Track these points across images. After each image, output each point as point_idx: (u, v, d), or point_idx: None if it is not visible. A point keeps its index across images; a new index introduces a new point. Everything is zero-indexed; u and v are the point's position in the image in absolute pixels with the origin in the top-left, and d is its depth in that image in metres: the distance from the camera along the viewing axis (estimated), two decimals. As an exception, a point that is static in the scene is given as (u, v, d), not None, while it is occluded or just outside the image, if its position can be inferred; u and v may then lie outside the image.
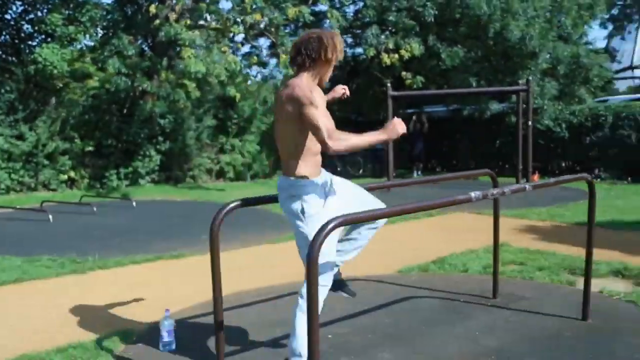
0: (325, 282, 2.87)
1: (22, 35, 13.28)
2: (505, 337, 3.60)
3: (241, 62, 12.12)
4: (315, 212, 2.82)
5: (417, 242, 6.80)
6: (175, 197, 12.37)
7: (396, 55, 12.91)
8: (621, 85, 38.31)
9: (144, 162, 14.02)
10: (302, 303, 2.84)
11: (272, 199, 3.15)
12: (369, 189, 3.31)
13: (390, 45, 13.11)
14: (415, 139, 15.97)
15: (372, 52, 13.36)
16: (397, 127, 2.74)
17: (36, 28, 11.84)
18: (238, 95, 12.37)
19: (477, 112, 14.76)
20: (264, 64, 13.28)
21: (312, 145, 2.81)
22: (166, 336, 3.54)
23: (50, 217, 8.86)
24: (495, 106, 14.67)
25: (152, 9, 11.04)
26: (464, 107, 15.82)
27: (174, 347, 3.55)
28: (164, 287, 5.02)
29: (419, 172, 16.30)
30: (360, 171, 17.34)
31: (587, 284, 3.86)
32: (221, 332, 3.08)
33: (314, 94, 2.65)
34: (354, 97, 18.97)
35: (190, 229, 7.99)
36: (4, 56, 13.37)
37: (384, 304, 4.36)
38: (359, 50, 16.43)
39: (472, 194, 2.87)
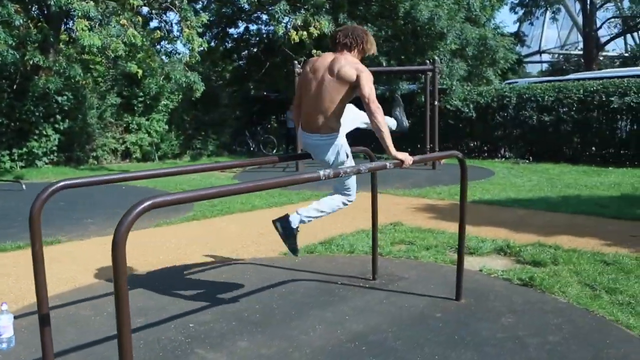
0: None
1: None
2: (373, 320, 3.48)
3: (145, 37, 11.39)
4: (349, 151, 3.71)
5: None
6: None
7: (305, 33, 12.63)
8: (534, 69, 40.12)
9: (41, 143, 13.09)
10: (334, 197, 3.92)
11: (106, 181, 2.83)
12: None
13: (299, 22, 12.81)
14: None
15: (280, 30, 13.02)
16: (409, 161, 3.30)
17: None
18: (140, 72, 11.69)
19: (388, 91, 14.81)
20: (171, 40, 12.62)
21: (343, 108, 3.57)
22: (3, 333, 3.16)
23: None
24: (406, 86, 14.78)
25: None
26: (376, 87, 15.85)
27: (13, 344, 3.18)
28: (23, 278, 4.56)
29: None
30: (274, 151, 17.08)
31: (460, 263, 3.81)
32: (48, 328, 2.73)
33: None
34: (270, 74, 18.68)
35: (76, 213, 7.46)
36: None
37: (259, 288, 4.15)
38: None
39: (321, 172, 2.68)
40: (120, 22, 10.81)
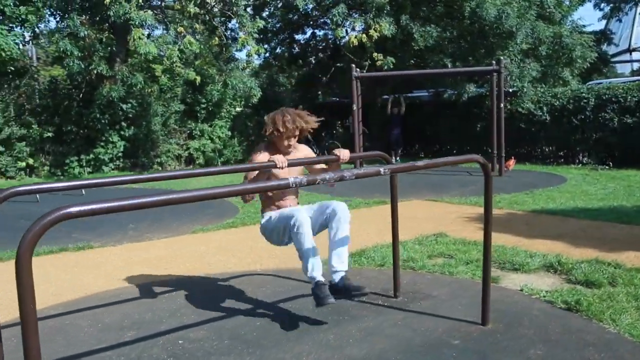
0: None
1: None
2: (379, 345, 3.07)
3: (203, 44, 11.49)
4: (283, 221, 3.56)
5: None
6: (135, 185, 11.86)
7: (364, 36, 12.27)
8: (625, 69, 37.33)
9: (107, 149, 13.53)
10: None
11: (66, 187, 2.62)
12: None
13: (358, 26, 12.47)
14: (392, 124, 15.39)
15: (340, 33, 12.73)
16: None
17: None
18: (198, 78, 11.80)
19: (455, 95, 14.12)
20: (227, 46, 12.67)
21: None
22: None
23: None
24: (473, 89, 14.04)
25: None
26: (444, 91, 15.22)
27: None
28: (46, 283, 4.51)
29: (397, 158, 15.72)
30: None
31: (485, 284, 3.31)
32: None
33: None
34: (336, 79, 18.43)
35: (123, 217, 7.48)
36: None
37: (267, 303, 3.84)
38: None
39: (290, 179, 2.34)
40: (178, 29, 10.92)
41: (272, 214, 3.57)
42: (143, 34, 10.23)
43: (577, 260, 4.60)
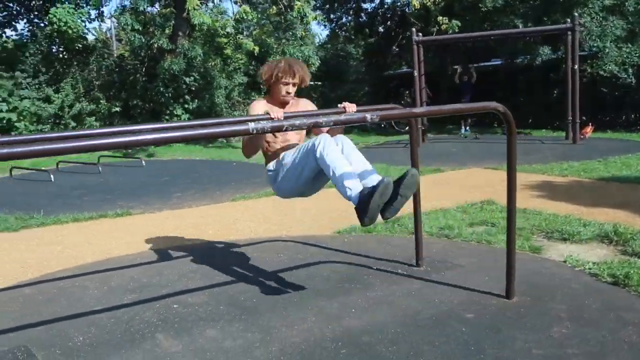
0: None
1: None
2: (382, 316, 2.78)
3: (259, 13, 11.33)
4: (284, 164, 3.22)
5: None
6: (196, 156, 12.03)
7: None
8: None
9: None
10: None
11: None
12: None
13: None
14: (462, 92, 14.62)
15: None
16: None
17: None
18: (257, 49, 11.67)
19: (528, 60, 13.15)
20: (284, 15, 12.40)
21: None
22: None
23: (52, 177, 8.72)
24: (547, 51, 13.01)
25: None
26: (516, 56, 14.24)
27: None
28: (72, 247, 4.54)
29: (467, 128, 14.98)
30: (406, 127, 16.25)
31: (510, 253, 2.92)
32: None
33: None
34: (405, 49, 17.76)
35: (171, 187, 7.53)
36: (34, 20, 13.49)
37: (281, 269, 3.63)
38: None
39: (250, 125, 2.08)
40: (234, -1, 10.80)
41: (278, 160, 3.18)
42: (198, 5, 10.19)
43: (638, 231, 4.05)
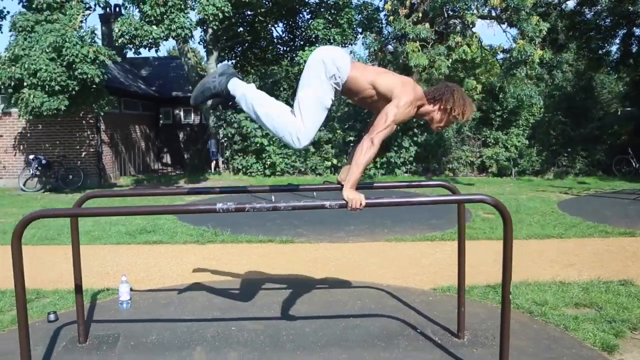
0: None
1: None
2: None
3: (482, 51, 11.42)
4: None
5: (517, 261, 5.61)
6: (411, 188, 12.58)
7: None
8: None
9: (399, 153, 14.64)
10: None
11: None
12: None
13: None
14: None
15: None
16: (354, 204, 2.74)
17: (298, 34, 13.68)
18: (479, 87, 11.74)
19: None
20: (508, 51, 12.09)
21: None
22: (121, 296, 4.28)
23: (273, 197, 10.34)
24: None
25: (388, 6, 11.48)
26: None
27: (129, 306, 4.27)
28: (223, 263, 5.68)
29: None
30: None
31: (503, 333, 2.87)
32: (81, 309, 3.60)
33: None
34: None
35: (353, 219, 8.18)
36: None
37: (345, 314, 4.07)
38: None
39: (218, 205, 2.66)
40: (456, 39, 11.13)
41: None
42: (417, 47, 10.81)
43: None
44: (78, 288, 3.50)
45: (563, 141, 14.96)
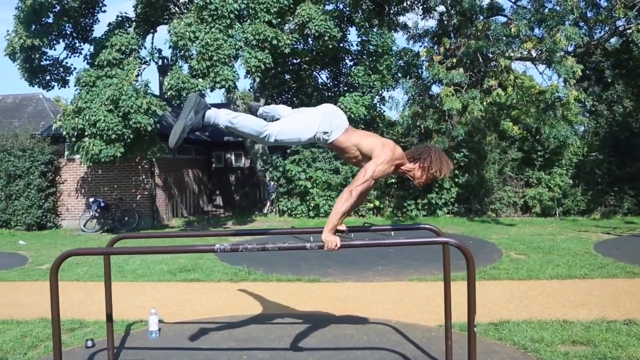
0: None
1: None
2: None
3: (518, 93, 11.66)
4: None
5: (522, 300, 5.74)
6: (451, 229, 12.70)
7: None
8: None
9: (441, 195, 14.81)
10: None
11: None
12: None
13: None
14: None
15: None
16: (330, 245, 3.11)
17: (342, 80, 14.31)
18: (516, 129, 11.92)
19: None
20: (542, 92, 12.21)
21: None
22: (150, 326, 4.78)
23: (312, 238, 10.78)
24: None
25: (423, 52, 11.97)
26: None
27: (154, 336, 4.77)
28: (254, 301, 6.12)
29: None
30: None
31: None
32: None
33: None
34: None
35: (382, 260, 8.49)
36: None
37: (349, 347, 4.40)
38: None
39: (217, 245, 3.11)
40: (490, 83, 11.43)
41: None
42: (451, 92, 11.18)
43: None
44: (109, 317, 4.02)
45: (609, 180, 14.73)
